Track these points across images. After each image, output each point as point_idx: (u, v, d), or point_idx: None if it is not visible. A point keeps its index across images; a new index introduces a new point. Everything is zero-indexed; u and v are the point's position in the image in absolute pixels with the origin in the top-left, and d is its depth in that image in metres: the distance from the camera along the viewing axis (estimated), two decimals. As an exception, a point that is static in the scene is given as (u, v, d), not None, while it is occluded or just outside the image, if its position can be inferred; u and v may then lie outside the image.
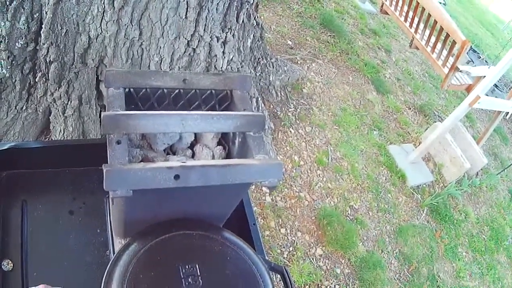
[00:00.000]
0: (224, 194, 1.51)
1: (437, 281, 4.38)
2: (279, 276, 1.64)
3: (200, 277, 1.33)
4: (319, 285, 3.58)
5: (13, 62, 2.95)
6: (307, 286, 3.51)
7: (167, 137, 1.54)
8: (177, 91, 1.49)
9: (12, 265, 1.71)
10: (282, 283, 1.58)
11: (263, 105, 4.46)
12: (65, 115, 3.21)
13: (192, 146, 1.63)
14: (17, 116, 3.16)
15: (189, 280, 1.31)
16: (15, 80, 3.03)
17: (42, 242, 1.82)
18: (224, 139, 1.64)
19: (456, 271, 4.64)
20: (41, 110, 3.23)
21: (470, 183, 5.67)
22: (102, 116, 1.26)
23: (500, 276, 4.99)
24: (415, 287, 4.15)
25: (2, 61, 2.91)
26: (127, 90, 1.41)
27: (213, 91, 1.53)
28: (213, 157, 1.58)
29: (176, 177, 1.17)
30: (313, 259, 3.72)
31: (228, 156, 1.61)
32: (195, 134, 1.62)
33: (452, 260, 4.71)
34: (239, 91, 1.54)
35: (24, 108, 3.17)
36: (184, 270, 1.33)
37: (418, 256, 4.43)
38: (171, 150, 1.61)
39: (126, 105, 1.37)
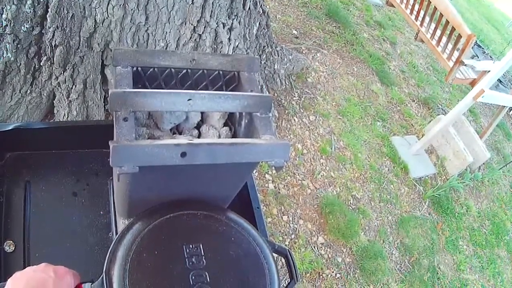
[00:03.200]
0: (230, 174, 1.51)
1: (438, 273, 4.39)
2: (281, 260, 1.64)
3: (203, 257, 1.32)
4: (320, 273, 3.59)
5: (19, 45, 2.95)
6: (308, 274, 3.52)
7: (173, 117, 1.53)
8: (184, 71, 1.48)
9: (14, 246, 1.71)
10: (285, 268, 1.58)
11: (267, 93, 4.46)
12: (69, 99, 3.21)
13: (198, 126, 1.62)
14: (21, 100, 3.16)
15: (193, 260, 1.31)
16: (20, 64, 3.03)
17: (44, 223, 1.82)
18: (230, 120, 1.64)
19: (456, 263, 4.65)
20: (45, 94, 3.23)
21: (472, 176, 5.67)
22: (109, 93, 1.25)
23: (500, 270, 4.99)
24: (415, 278, 4.15)
25: (7, 44, 2.91)
26: (135, 69, 1.41)
27: (221, 72, 1.52)
28: (219, 138, 1.58)
29: (183, 154, 1.17)
30: (314, 247, 3.73)
31: (234, 137, 1.60)
32: (202, 114, 1.62)
33: (452, 252, 4.71)
34: (247, 73, 1.53)
35: (28, 91, 3.17)
36: (188, 250, 1.33)
37: (419, 247, 4.44)
38: (177, 130, 1.61)
39: (134, 84, 1.37)
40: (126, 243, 1.31)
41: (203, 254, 1.33)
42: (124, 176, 1.20)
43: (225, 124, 1.63)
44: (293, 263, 1.56)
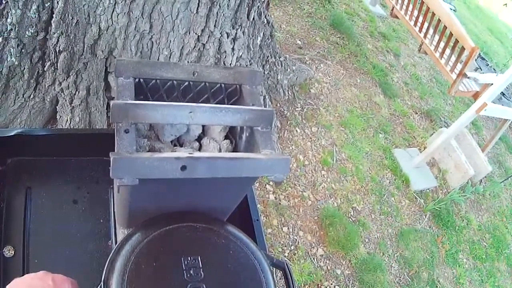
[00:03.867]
0: (230, 187, 1.51)
1: (437, 286, 4.38)
2: (280, 272, 1.64)
3: (202, 270, 1.32)
4: (319, 285, 3.58)
5: (23, 50, 2.96)
6: (307, 286, 3.51)
7: (174, 129, 1.54)
8: (186, 83, 1.49)
9: (13, 251, 1.71)
10: (283, 280, 1.58)
11: (270, 103, 4.46)
12: (72, 105, 3.22)
13: (199, 139, 1.63)
14: (24, 105, 3.17)
15: (191, 272, 1.31)
16: (24, 69, 3.03)
17: (44, 229, 1.82)
18: (231, 133, 1.64)
19: (456, 277, 4.63)
20: (48, 99, 3.23)
21: (474, 190, 5.66)
22: (111, 104, 1.25)
23: (499, 284, 4.97)
24: (414, 292, 4.15)
25: (11, 49, 2.92)
26: (137, 80, 1.41)
27: (223, 85, 1.53)
28: (220, 151, 1.58)
29: (183, 168, 1.17)
30: (314, 259, 3.72)
31: (235, 150, 1.61)
32: (203, 127, 1.62)
33: (452, 266, 4.70)
34: (249, 86, 1.53)
35: (31, 96, 3.17)
36: (186, 262, 1.33)
37: (418, 260, 4.43)
38: (178, 142, 1.61)
39: (135, 95, 1.38)
40: (125, 254, 1.31)
41: (201, 266, 1.33)
42: (124, 188, 1.21)
43: (226, 137, 1.64)
44: (291, 277, 1.55)
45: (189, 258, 1.34)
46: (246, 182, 1.50)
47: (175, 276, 1.29)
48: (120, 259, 1.29)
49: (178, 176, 1.17)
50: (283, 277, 1.58)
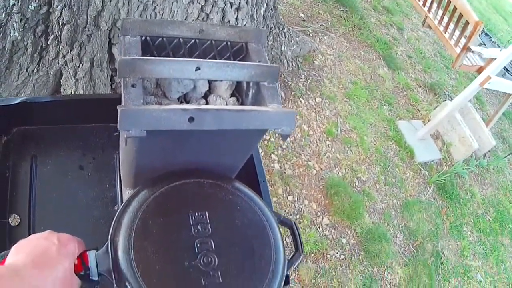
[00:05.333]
0: (237, 142, 1.50)
1: (441, 258, 4.40)
2: (287, 237, 1.64)
3: (209, 225, 1.32)
4: (325, 254, 3.60)
5: (26, 24, 2.95)
6: (312, 254, 3.53)
7: (181, 85, 1.53)
8: (192, 41, 1.48)
9: (19, 220, 1.71)
10: (290, 244, 1.59)
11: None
12: (76, 77, 3.21)
13: (206, 96, 1.63)
14: (28, 79, 3.17)
15: (198, 227, 1.31)
16: (27, 43, 3.03)
17: (50, 197, 1.82)
18: (237, 91, 1.63)
19: (460, 249, 4.66)
20: (52, 73, 3.23)
21: (478, 163, 5.67)
22: (118, 60, 1.25)
23: (503, 258, 5.00)
24: (419, 262, 4.16)
25: (14, 23, 2.91)
26: (143, 38, 1.41)
27: (229, 43, 1.52)
28: (226, 107, 1.58)
29: (191, 119, 1.17)
30: (319, 227, 3.74)
31: (241, 107, 1.61)
32: (209, 84, 1.62)
33: (456, 238, 4.72)
34: (254, 44, 1.53)
35: (35, 70, 3.17)
36: (193, 218, 1.33)
37: (423, 231, 4.45)
38: (185, 100, 1.61)
39: (142, 53, 1.37)
40: (131, 210, 1.31)
41: (208, 222, 1.33)
42: (131, 141, 1.21)
43: (232, 95, 1.64)
44: (299, 234, 1.55)
45: (196, 214, 1.34)
46: (253, 136, 1.50)
47: (183, 232, 1.30)
48: (127, 216, 1.29)
49: (186, 127, 1.17)
50: (290, 241, 1.58)
